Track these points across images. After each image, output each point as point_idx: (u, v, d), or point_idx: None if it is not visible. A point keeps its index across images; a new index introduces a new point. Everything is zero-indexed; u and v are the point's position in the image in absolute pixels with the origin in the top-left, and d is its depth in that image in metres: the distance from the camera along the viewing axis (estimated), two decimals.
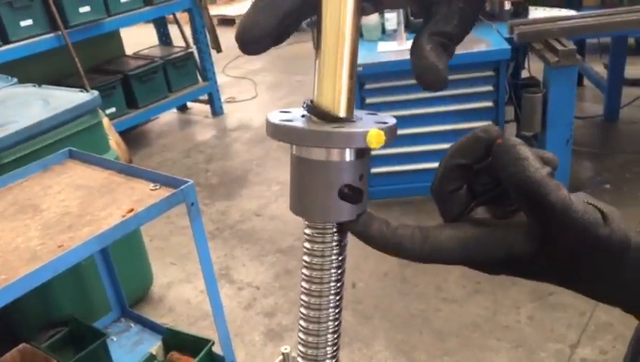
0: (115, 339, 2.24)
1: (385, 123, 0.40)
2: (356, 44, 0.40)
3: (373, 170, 3.13)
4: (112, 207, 1.67)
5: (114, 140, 3.68)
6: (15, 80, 2.69)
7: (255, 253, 3.01)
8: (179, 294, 2.79)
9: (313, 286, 0.42)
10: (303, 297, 0.43)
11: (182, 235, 3.21)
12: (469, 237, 0.39)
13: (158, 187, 1.71)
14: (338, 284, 0.43)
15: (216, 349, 2.01)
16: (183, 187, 1.65)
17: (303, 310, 0.43)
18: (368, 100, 3.03)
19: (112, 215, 1.63)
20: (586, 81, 4.40)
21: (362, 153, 0.40)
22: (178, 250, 3.11)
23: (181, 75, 4.65)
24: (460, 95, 3.00)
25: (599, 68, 4.16)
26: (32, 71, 3.66)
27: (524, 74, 3.21)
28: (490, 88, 2.99)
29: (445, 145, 3.09)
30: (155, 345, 2.11)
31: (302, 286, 0.43)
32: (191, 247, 3.06)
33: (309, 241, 0.42)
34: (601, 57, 4.05)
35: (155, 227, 3.25)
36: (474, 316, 2.42)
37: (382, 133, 0.38)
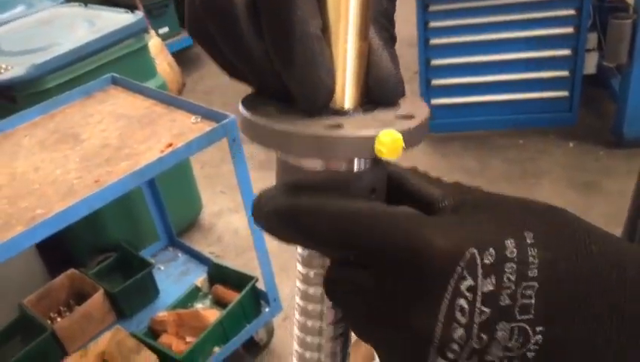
0: (162, 268, 2.24)
1: (410, 116, 0.25)
2: None
3: (434, 102, 2.91)
4: (151, 141, 1.59)
5: (166, 62, 3.60)
6: None
7: None
8: (228, 223, 2.76)
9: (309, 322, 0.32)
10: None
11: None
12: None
13: (199, 120, 1.61)
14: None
15: (260, 285, 1.96)
16: (224, 122, 1.54)
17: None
18: (432, 24, 2.77)
19: (150, 149, 1.55)
20: None
21: (377, 159, 0.26)
22: (229, 179, 3.05)
23: None
24: (537, 19, 2.68)
25: None
26: None
27: None
28: (571, 12, 2.66)
29: (515, 76, 2.82)
30: (200, 277, 2.10)
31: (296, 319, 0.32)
32: None
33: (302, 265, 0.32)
34: None
35: (206, 153, 3.18)
36: None
37: (399, 137, 0.23)
